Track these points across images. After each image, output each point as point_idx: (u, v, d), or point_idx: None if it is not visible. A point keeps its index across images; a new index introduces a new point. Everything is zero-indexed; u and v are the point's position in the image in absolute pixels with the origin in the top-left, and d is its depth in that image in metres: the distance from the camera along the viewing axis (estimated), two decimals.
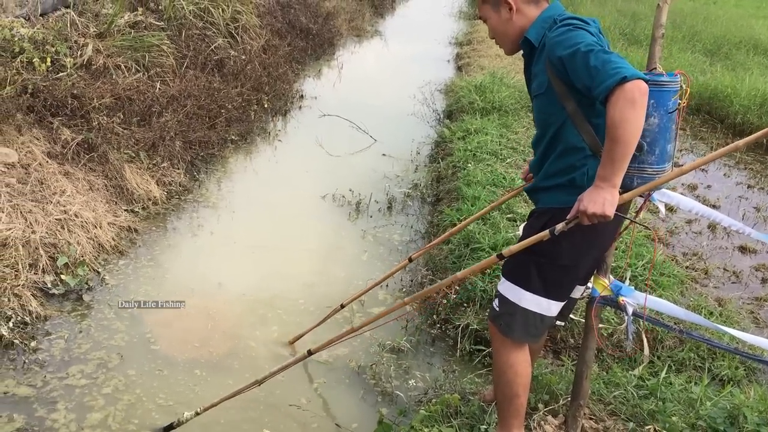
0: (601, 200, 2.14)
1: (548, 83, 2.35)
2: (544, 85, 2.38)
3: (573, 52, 2.19)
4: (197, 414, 3.07)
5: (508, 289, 2.54)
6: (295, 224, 5.34)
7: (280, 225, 5.30)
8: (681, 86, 2.33)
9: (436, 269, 4.58)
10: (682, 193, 6.29)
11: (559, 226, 2.27)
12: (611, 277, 2.77)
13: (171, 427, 3.08)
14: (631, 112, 2.04)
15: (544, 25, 2.41)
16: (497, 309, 2.58)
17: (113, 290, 4.16)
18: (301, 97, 8.63)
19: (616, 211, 2.19)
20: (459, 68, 10.81)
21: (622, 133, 2.06)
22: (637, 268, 4.27)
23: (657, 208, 2.80)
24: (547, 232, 2.32)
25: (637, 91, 2.04)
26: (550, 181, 2.49)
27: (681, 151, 7.55)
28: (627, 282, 4.27)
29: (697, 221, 5.75)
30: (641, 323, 3.66)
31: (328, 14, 12.22)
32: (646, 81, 2.09)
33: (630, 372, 3.31)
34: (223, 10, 8.38)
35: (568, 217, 2.25)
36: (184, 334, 3.85)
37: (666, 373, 3.37)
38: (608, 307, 2.98)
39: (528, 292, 2.48)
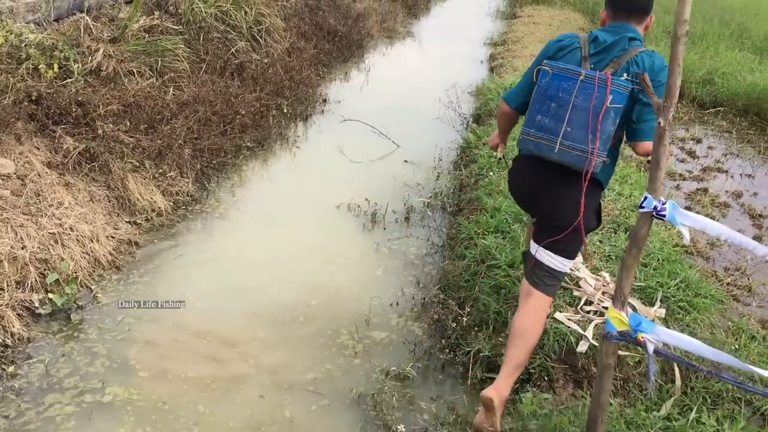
0: None
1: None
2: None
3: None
4: None
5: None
6: (305, 237, 5.06)
7: (288, 237, 5.03)
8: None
9: (449, 287, 4.25)
10: (725, 202, 5.84)
11: None
12: (629, 309, 2.41)
13: None
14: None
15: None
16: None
17: (104, 309, 3.94)
18: (325, 101, 8.33)
19: None
20: (491, 69, 10.41)
21: None
22: (669, 288, 3.88)
23: (680, 233, 2.41)
24: None
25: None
26: None
27: (726, 155, 7.04)
28: (658, 303, 3.88)
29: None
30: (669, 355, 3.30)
31: (358, 15, 11.92)
32: None
33: (655, 413, 2.93)
34: (245, 13, 8.17)
35: None
36: (176, 355, 3.61)
37: (699, 409, 3.00)
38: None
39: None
